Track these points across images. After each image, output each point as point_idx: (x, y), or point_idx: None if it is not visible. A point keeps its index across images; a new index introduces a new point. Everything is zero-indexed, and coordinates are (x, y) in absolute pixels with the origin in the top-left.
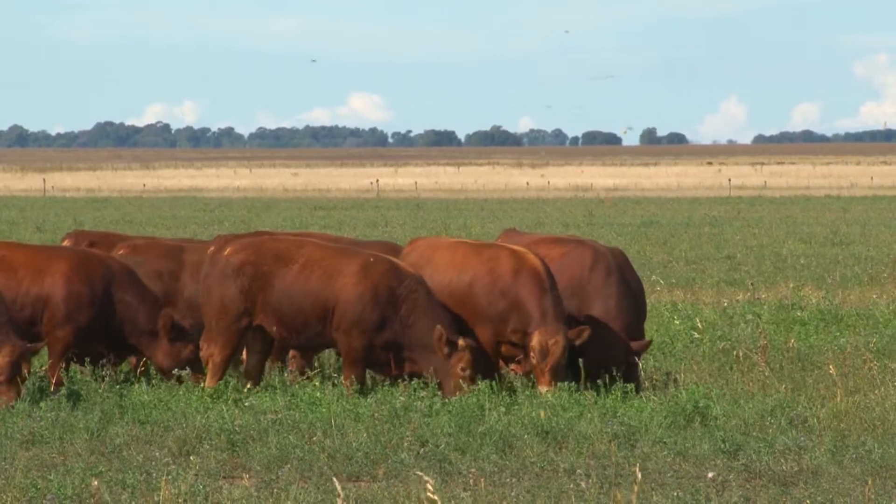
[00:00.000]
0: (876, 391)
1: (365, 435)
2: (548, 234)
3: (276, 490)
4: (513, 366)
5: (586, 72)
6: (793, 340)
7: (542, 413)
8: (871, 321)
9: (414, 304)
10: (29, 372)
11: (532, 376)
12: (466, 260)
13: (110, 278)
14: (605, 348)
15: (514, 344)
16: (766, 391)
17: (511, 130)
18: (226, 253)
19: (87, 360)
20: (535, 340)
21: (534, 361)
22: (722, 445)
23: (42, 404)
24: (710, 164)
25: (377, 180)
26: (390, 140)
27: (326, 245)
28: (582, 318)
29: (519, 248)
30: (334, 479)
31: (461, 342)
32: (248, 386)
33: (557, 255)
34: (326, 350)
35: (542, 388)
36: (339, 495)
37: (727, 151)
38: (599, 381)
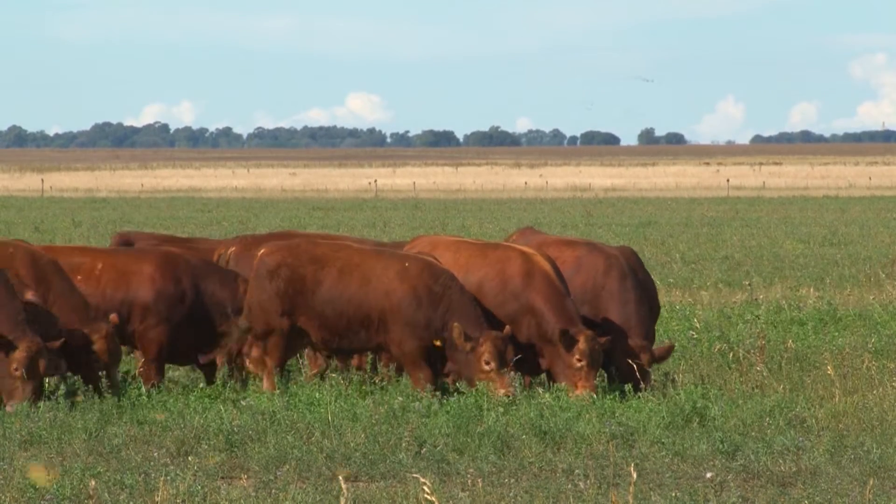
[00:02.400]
0: (874, 391)
1: (363, 435)
2: (561, 236)
3: (274, 490)
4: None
5: (583, 71)
6: (791, 341)
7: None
8: (870, 321)
9: (450, 301)
10: (44, 371)
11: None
12: (472, 260)
13: (195, 277)
14: (627, 354)
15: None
16: (764, 391)
17: (509, 130)
18: (260, 254)
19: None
20: (583, 343)
21: (578, 364)
22: (720, 446)
23: (40, 405)
24: (707, 164)
25: (375, 181)
26: (388, 140)
27: (364, 247)
28: (599, 322)
29: (527, 249)
30: (339, 478)
31: (483, 336)
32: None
33: (570, 259)
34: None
35: (582, 391)
36: (343, 494)
37: (725, 152)
38: (596, 382)
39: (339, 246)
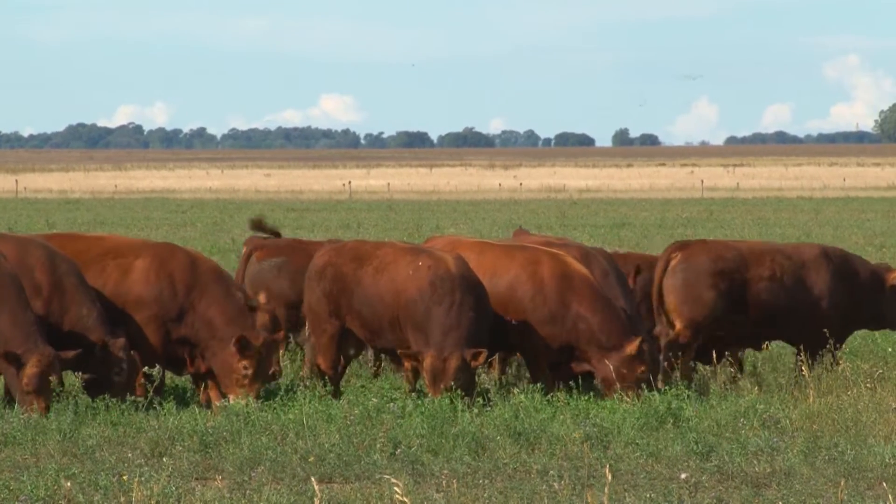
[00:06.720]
0: (848, 392)
1: (337, 436)
2: (546, 236)
3: (248, 491)
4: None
5: (557, 72)
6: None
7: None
8: None
9: (451, 302)
10: (60, 382)
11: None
12: (499, 262)
13: None
14: None
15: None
16: (738, 392)
17: (483, 132)
18: (318, 255)
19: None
20: (633, 348)
21: (624, 371)
22: (694, 447)
23: (14, 406)
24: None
25: (349, 182)
26: (362, 142)
27: (401, 246)
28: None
29: (558, 251)
30: (312, 480)
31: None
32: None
33: None
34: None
35: (630, 396)
36: (316, 496)
37: (700, 153)
38: (571, 383)
39: (380, 244)
